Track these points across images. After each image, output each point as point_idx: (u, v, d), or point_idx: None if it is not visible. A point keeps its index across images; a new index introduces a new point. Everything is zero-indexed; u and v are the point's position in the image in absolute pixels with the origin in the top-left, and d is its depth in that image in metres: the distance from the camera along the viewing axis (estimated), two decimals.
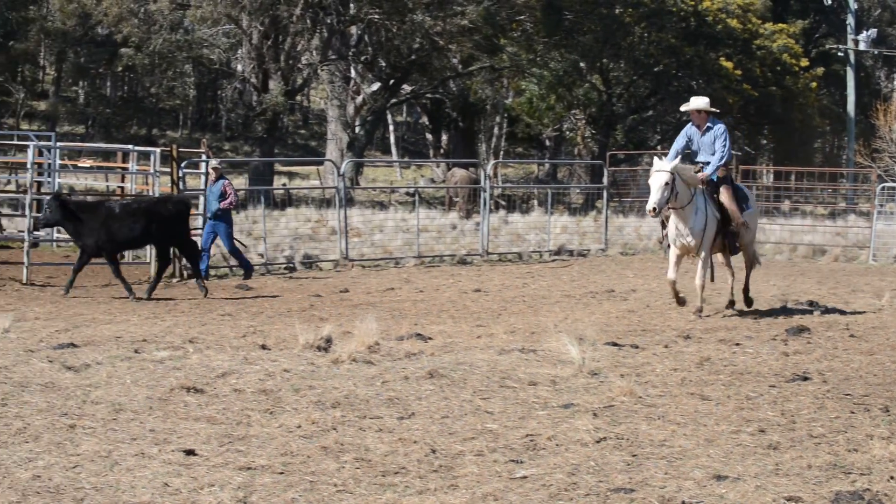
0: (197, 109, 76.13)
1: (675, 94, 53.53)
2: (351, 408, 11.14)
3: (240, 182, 50.22)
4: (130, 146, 29.33)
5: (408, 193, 48.48)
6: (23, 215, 26.16)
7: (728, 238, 19.15)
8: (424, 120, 66.59)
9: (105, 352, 13.94)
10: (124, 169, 28.67)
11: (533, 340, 15.49)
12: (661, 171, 18.45)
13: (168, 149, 25.68)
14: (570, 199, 49.55)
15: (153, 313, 18.55)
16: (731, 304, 19.70)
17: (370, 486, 8.78)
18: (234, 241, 24.36)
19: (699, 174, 18.86)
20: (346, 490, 8.65)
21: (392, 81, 52.03)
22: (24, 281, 22.22)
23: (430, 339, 15.55)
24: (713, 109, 19.55)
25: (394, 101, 55.25)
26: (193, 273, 22.25)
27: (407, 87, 54.97)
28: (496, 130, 63.09)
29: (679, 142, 19.35)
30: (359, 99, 50.88)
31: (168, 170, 24.77)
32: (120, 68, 66.25)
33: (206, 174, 24.58)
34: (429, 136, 65.97)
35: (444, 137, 63.01)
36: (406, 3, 46.91)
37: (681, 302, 19.11)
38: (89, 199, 25.19)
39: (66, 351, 13.90)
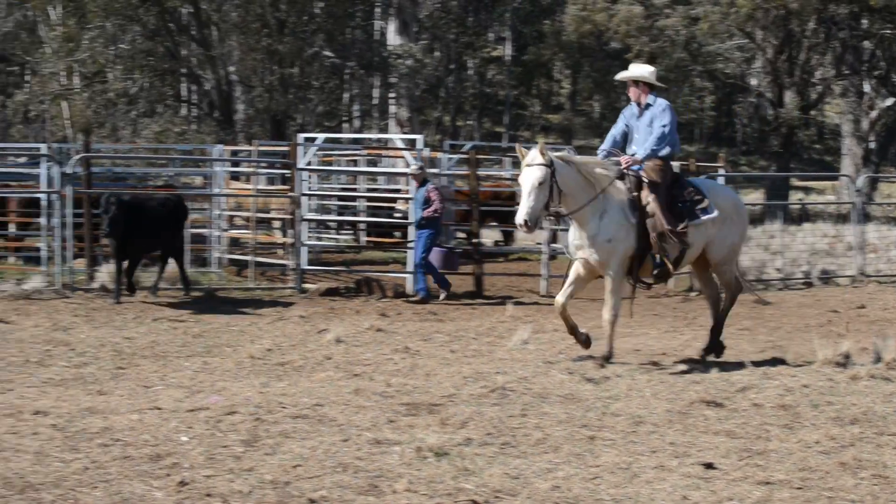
0: (713, 123, 76.02)
1: None
2: (869, 424, 10.97)
3: (756, 196, 49.82)
4: None
5: None
6: (541, 228, 26.86)
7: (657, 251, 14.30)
8: None
9: (624, 364, 14.14)
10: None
11: None
12: (532, 165, 13.95)
13: (686, 162, 25.82)
14: None
15: (672, 327, 18.65)
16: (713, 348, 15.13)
17: (888, 502, 8.68)
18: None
19: (623, 158, 14.45)
20: None
21: None
22: (543, 293, 22.76)
23: None
24: (657, 83, 14.89)
25: None
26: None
27: None
28: None
29: (616, 127, 14.94)
30: (873, 114, 49.50)
31: None
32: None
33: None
34: None
35: None
36: None
37: (583, 341, 14.58)
38: None
39: (586, 363, 14.16)
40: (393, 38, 50.17)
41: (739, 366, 14.07)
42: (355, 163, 30.55)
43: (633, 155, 14.51)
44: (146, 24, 43.48)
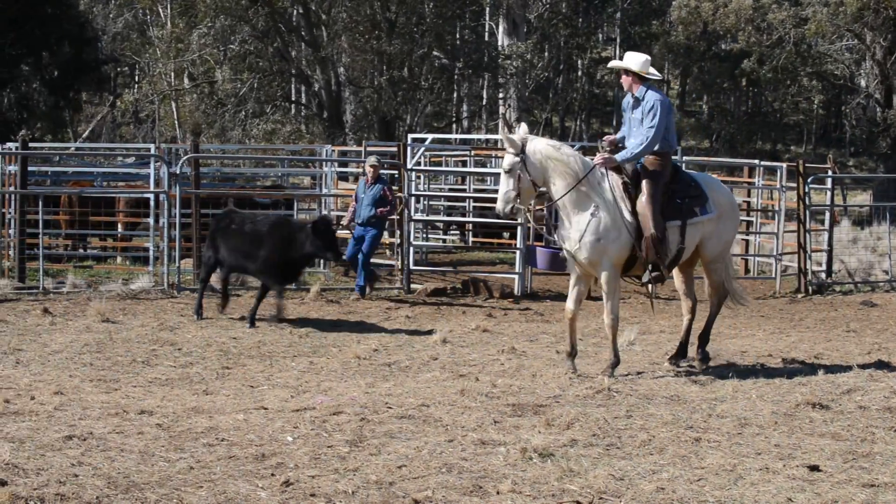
0: (821, 124, 75.25)
1: None
2: None
3: (863, 198, 49.32)
4: (756, 161, 29.27)
5: None
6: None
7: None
8: None
9: (731, 366, 14.09)
10: (750, 184, 28.67)
11: None
12: (507, 152, 13.51)
13: (794, 164, 25.49)
14: None
15: (778, 328, 18.49)
16: (681, 353, 14.37)
17: None
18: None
19: (598, 157, 13.66)
20: None
21: None
22: (649, 293, 22.53)
23: None
24: (650, 74, 13.88)
25: None
26: None
27: None
28: None
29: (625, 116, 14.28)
30: None
31: (794, 185, 24.56)
32: (743, 82, 66.53)
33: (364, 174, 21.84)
34: None
35: None
36: None
37: (569, 353, 13.91)
38: None
39: (690, 365, 14.14)
40: (502, 39, 50.17)
41: (846, 368, 13.90)
42: (464, 163, 30.51)
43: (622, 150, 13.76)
44: (256, 25, 43.86)
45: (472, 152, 30.63)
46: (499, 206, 13.38)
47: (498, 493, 8.59)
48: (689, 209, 13.70)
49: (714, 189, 14.22)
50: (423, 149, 25.14)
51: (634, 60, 13.78)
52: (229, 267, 18.25)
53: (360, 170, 25.49)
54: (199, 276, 19.51)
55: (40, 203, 21.53)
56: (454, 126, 54.20)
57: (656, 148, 13.57)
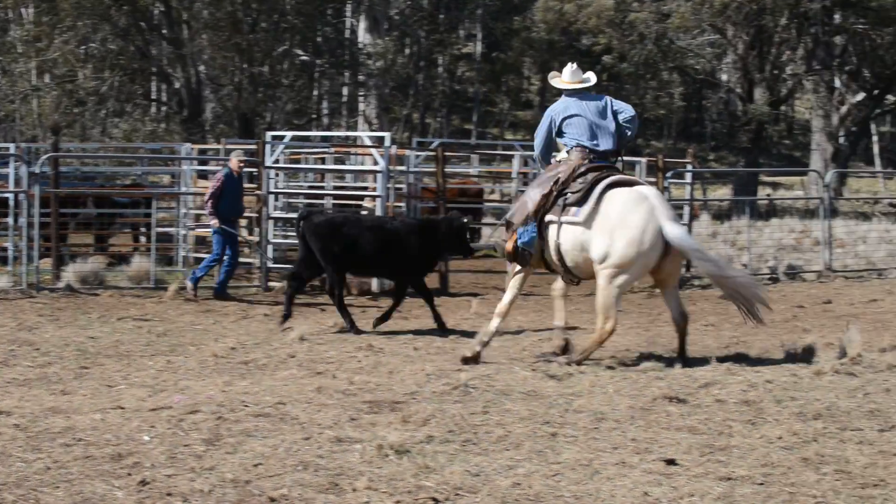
0: (682, 119, 76.14)
1: None
2: (832, 419, 10.94)
3: (723, 192, 50.02)
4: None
5: (891, 204, 47.00)
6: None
7: None
8: None
9: (589, 361, 14.11)
10: None
11: None
12: None
13: (654, 158, 25.89)
14: None
15: (636, 323, 18.72)
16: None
17: (849, 497, 8.67)
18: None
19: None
20: (826, 502, 8.57)
21: (876, 91, 50.66)
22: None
23: None
24: (557, 85, 15.05)
25: (878, 111, 53.79)
26: None
27: (891, 97, 53.41)
28: None
29: None
30: (843, 109, 49.71)
31: (654, 179, 24.95)
32: (605, 77, 67.12)
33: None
34: None
35: None
36: (891, 13, 45.58)
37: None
38: None
39: (549, 360, 14.16)
40: (363, 36, 50.14)
41: (703, 362, 14.01)
42: (323, 161, 30.51)
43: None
44: (117, 23, 43.42)
45: (332, 149, 30.63)
46: None
47: (354, 490, 8.62)
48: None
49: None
50: (282, 146, 25.11)
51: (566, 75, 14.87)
52: (357, 273, 18.83)
53: (219, 168, 25.42)
54: (56, 275, 19.23)
55: None
56: (314, 123, 54.09)
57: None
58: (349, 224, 17.78)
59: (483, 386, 12.39)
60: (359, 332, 17.17)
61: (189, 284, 20.98)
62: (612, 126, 14.51)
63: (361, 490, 8.62)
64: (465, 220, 18.42)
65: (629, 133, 14.71)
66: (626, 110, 14.58)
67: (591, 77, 15.04)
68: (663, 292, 14.79)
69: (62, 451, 9.57)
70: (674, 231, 13.85)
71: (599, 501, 8.57)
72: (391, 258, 17.69)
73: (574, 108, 14.54)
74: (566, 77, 14.85)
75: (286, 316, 17.65)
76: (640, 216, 13.82)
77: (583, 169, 14.25)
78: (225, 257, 21.16)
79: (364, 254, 17.57)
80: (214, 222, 20.78)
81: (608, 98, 14.83)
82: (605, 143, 14.50)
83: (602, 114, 14.51)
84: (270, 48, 44.32)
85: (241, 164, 21.40)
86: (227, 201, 20.97)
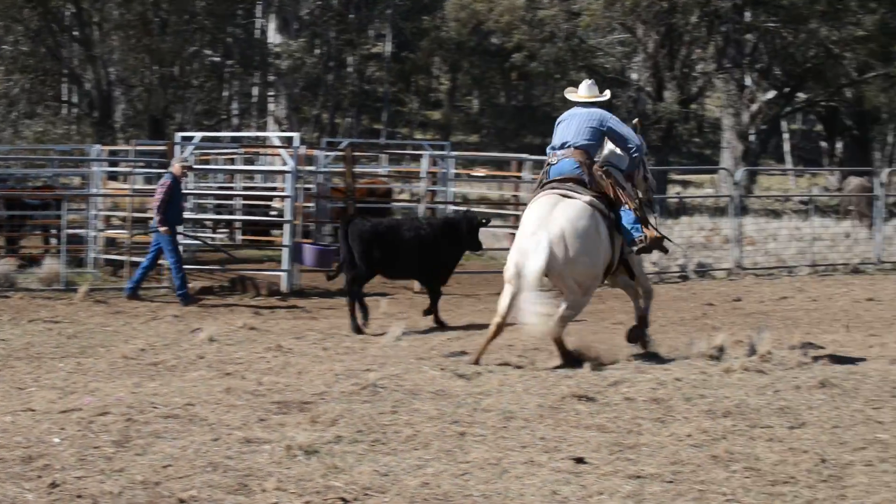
0: None
1: None
2: (742, 417, 11.03)
3: None
4: (525, 155, 29.78)
5: (802, 202, 47.54)
6: None
7: None
8: (819, 128, 65.22)
9: (497, 360, 14.13)
10: (518, 178, 29.13)
11: None
12: None
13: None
14: None
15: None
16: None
17: (759, 495, 8.74)
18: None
19: None
20: (735, 499, 8.64)
21: (787, 89, 51.23)
22: (417, 290, 22.63)
23: (821, 348, 15.16)
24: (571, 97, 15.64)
25: (788, 109, 54.35)
26: None
27: (802, 95, 54.00)
28: (890, 138, 61.20)
29: None
30: (753, 107, 50.16)
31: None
32: (514, 76, 67.26)
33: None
34: (823, 144, 64.61)
35: (839, 145, 61.53)
36: (802, 12, 46.09)
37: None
38: None
39: (458, 359, 14.20)
40: (273, 37, 50.02)
41: (612, 360, 14.05)
42: (233, 161, 30.38)
43: None
44: (29, 25, 43.07)
45: (242, 150, 30.51)
46: None
47: (263, 490, 8.60)
48: None
49: None
50: (191, 147, 24.98)
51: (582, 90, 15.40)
52: (392, 275, 18.89)
53: (129, 169, 25.29)
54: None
55: None
56: (225, 124, 53.86)
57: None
58: (391, 230, 18.26)
59: (392, 385, 12.36)
60: (359, 332, 17.36)
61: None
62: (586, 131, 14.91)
63: (270, 490, 8.60)
64: (483, 220, 19.40)
65: (634, 155, 15.16)
66: (631, 138, 15.08)
67: (606, 93, 15.63)
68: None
69: None
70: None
71: (508, 500, 8.59)
72: (425, 260, 18.25)
73: (567, 116, 15.17)
74: (582, 91, 15.39)
75: (364, 314, 17.87)
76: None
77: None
78: (145, 259, 21.03)
79: (401, 257, 18.14)
80: (164, 230, 20.55)
81: (607, 114, 15.25)
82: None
83: (587, 121, 14.93)
84: (180, 49, 44.13)
85: (184, 169, 21.28)
86: (173, 208, 20.85)
